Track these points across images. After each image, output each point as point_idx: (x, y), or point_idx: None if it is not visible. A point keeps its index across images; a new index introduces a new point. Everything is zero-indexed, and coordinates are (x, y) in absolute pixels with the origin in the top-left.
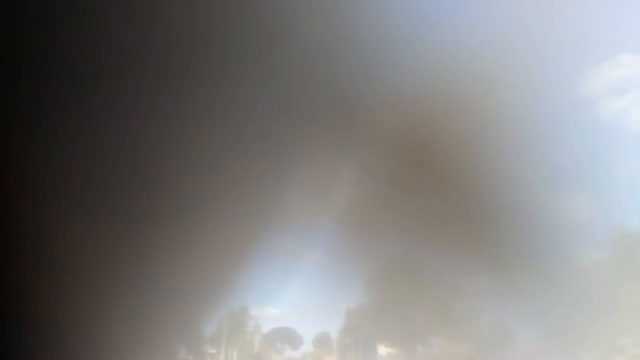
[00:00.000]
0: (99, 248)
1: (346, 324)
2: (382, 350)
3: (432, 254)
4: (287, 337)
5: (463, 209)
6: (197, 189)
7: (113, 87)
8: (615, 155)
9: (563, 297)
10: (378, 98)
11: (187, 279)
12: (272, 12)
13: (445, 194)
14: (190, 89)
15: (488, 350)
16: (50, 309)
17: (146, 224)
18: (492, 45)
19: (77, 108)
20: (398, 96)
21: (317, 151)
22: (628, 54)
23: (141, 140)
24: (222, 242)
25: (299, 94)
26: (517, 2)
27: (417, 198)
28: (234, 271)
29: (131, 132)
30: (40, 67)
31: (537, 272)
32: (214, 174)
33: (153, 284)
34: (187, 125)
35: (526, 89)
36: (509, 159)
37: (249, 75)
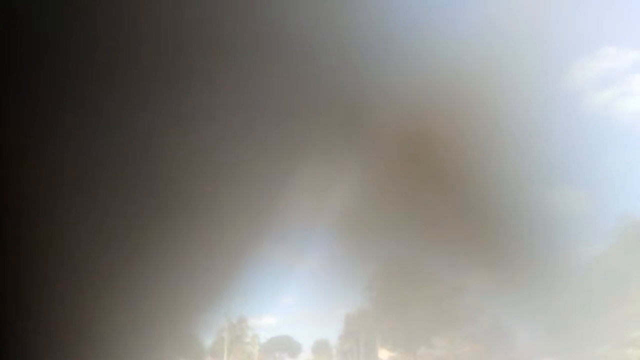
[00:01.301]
0: (94, 258)
1: (346, 329)
2: (384, 354)
3: (429, 253)
4: (285, 345)
5: (459, 207)
6: (195, 192)
7: (112, 86)
8: (604, 147)
9: (566, 292)
10: (378, 97)
11: (182, 288)
12: (273, 11)
13: (440, 192)
14: (188, 89)
15: (492, 348)
16: (45, 316)
17: (141, 231)
18: (478, 40)
19: (75, 106)
20: (398, 95)
21: (316, 152)
22: (612, 45)
23: (138, 142)
24: (218, 249)
25: (298, 94)
26: None
27: (413, 197)
28: (231, 280)
29: (130, 133)
30: (38, 66)
31: (537, 268)
32: (213, 178)
33: (148, 293)
34: (186, 127)
35: (513, 83)
36: (505, 156)
37: (248, 75)
